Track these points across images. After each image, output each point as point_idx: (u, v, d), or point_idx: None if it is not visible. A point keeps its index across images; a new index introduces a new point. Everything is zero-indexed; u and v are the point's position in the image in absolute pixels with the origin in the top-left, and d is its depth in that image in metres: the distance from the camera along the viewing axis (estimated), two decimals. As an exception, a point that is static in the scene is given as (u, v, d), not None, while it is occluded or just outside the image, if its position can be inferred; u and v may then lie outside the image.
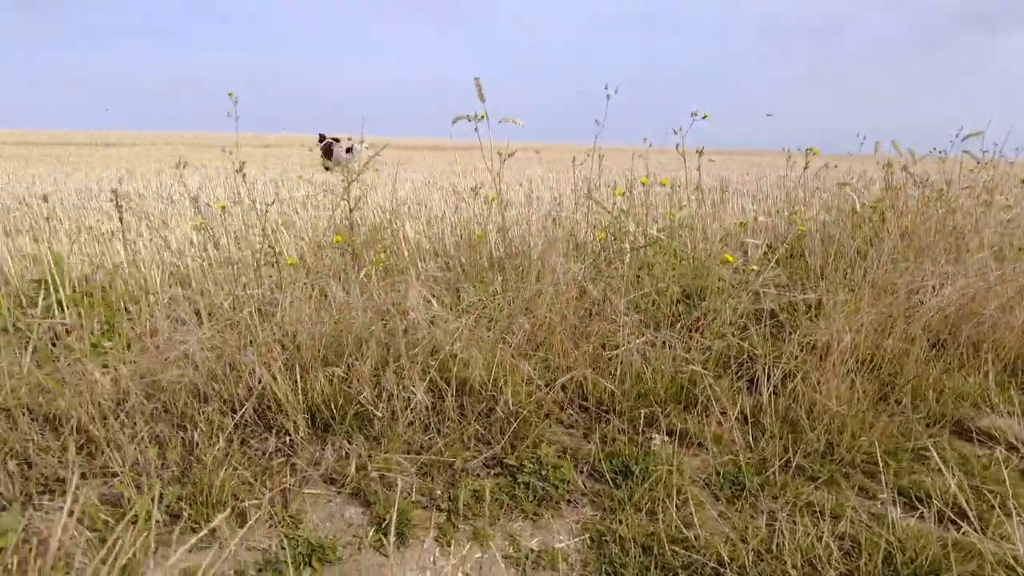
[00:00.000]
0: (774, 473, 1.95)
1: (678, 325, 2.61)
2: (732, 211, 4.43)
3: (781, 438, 2.11)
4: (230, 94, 2.29)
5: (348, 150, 10.97)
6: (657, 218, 3.42)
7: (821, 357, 2.41)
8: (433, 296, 2.46)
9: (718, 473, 1.98)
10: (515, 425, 2.03)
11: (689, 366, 2.30)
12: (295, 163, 14.16)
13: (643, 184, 2.85)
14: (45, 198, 3.24)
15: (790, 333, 2.70)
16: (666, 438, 2.14)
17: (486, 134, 2.64)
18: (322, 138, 11.65)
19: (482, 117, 2.63)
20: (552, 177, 9.00)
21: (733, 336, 2.61)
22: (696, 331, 2.61)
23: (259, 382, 1.92)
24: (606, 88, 2.63)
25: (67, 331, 2.51)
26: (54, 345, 2.44)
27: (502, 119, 2.74)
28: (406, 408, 2.00)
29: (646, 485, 1.87)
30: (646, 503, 1.82)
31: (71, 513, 1.31)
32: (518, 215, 3.57)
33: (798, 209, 4.12)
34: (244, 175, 2.45)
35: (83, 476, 1.76)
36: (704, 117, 2.69)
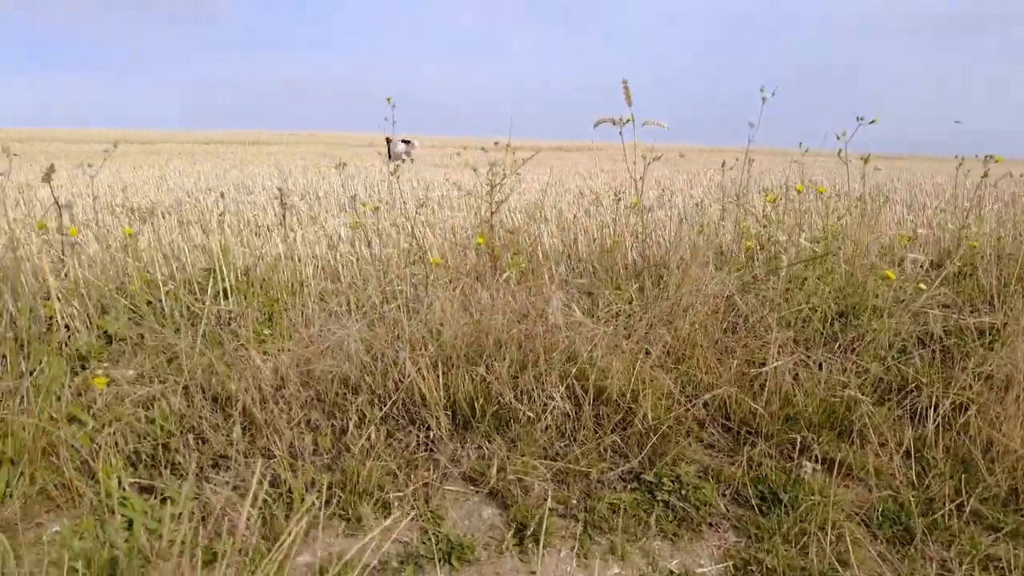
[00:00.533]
0: (944, 516, 1.76)
1: (833, 345, 2.43)
2: (887, 221, 4.08)
3: (951, 477, 1.91)
4: (388, 99, 2.39)
5: (405, 142, 14.82)
6: (810, 227, 3.21)
7: (1001, 390, 2.15)
8: (569, 301, 2.44)
9: (876, 509, 1.82)
10: (654, 440, 1.97)
11: (845, 390, 2.13)
12: (428, 163, 14.70)
13: (798, 191, 2.68)
14: (222, 195, 3.55)
15: (960, 361, 2.44)
16: (817, 466, 1.99)
17: (629, 136, 2.59)
18: (388, 140, 14.35)
19: (628, 120, 2.58)
20: (692, 181, 8.72)
21: (893, 360, 2.40)
22: (852, 352, 2.42)
23: (406, 377, 1.99)
24: (761, 91, 2.50)
25: (231, 318, 2.73)
26: (219, 329, 2.66)
27: (646, 121, 2.68)
28: (544, 412, 1.99)
29: (795, 515, 1.75)
30: (796, 534, 1.70)
31: (254, 499, 1.41)
32: (655, 220, 3.48)
33: (968, 222, 3.72)
34: (397, 176, 2.55)
35: (245, 455, 1.90)
36: (872, 122, 2.49)
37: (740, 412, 2.16)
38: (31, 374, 2.11)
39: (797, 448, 2.02)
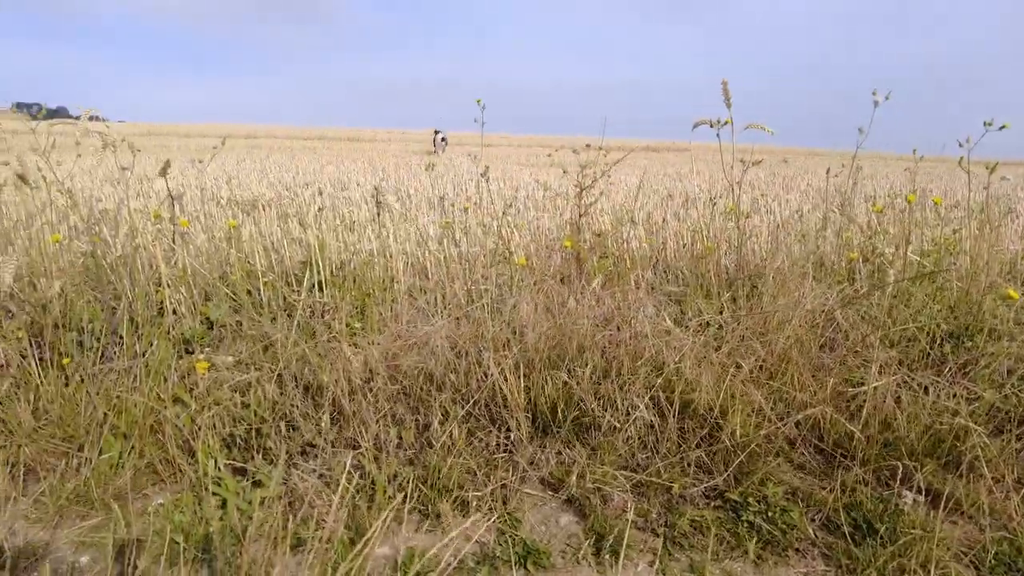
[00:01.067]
0: (1070, 565, 1.60)
1: (942, 368, 2.26)
2: (1011, 235, 3.76)
3: (1080, 522, 1.73)
4: (478, 100, 2.42)
5: (443, 139, 20.16)
6: (920, 240, 3.00)
7: None
8: (658, 309, 2.38)
9: (989, 552, 1.67)
10: (741, 458, 1.89)
11: (955, 418, 1.97)
12: (514, 162, 14.79)
13: (909, 202, 2.50)
14: (320, 191, 3.70)
15: (1091, 392, 2.21)
16: (919, 497, 1.86)
17: (727, 138, 2.50)
18: (436, 132, 20.43)
19: (726, 122, 2.49)
20: (790, 185, 8.34)
21: (1012, 388, 2.20)
22: (963, 377, 2.24)
23: (489, 377, 2.00)
24: (874, 94, 2.35)
25: (325, 310, 2.83)
26: (313, 321, 2.76)
27: (749, 125, 2.58)
28: (626, 422, 1.95)
29: (893, 548, 1.64)
30: (893, 569, 1.60)
31: (342, 493, 1.45)
32: (750, 226, 3.34)
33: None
34: (488, 178, 2.57)
35: (333, 444, 1.96)
36: (1002, 127, 2.28)
37: (834, 434, 2.04)
38: (143, 355, 2.27)
39: (897, 476, 1.89)
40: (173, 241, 2.75)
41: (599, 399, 2.04)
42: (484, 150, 21.14)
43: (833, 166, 3.25)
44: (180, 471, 1.87)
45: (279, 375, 2.13)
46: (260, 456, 1.90)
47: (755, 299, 2.57)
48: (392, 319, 2.67)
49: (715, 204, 2.75)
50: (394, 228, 3.93)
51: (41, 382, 2.08)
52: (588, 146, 3.04)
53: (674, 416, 1.99)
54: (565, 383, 2.05)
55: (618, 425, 1.95)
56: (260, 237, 3.29)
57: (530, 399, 2.06)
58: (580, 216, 2.66)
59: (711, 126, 2.51)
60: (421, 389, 2.07)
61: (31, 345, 2.26)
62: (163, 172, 2.69)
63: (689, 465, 1.93)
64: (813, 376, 2.17)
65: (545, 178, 9.63)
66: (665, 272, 3.12)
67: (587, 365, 2.09)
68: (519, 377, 2.01)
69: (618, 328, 2.12)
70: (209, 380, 2.09)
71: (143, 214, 3.83)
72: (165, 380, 2.19)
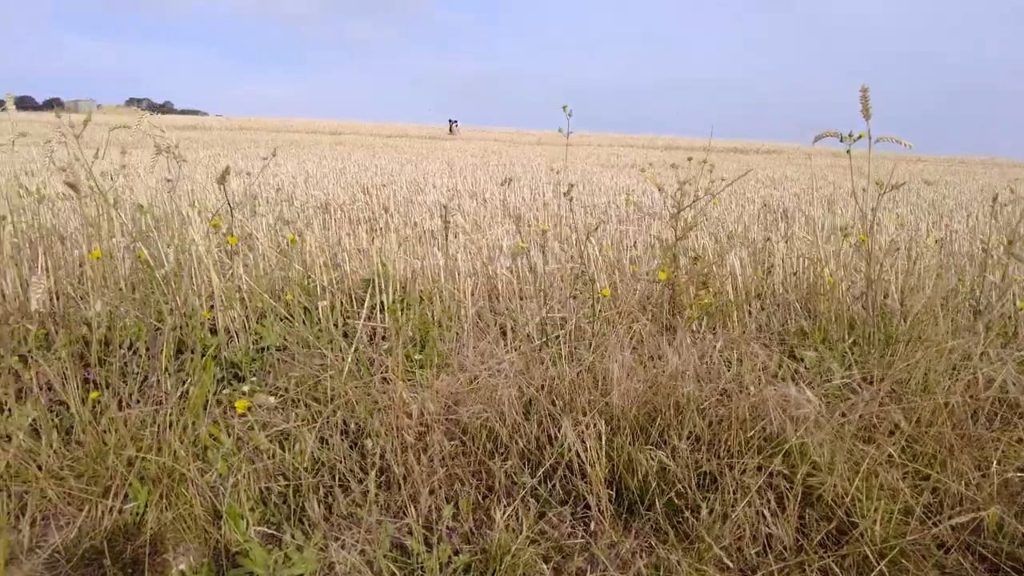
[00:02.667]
0: None
1: None
2: None
3: None
4: (564, 107, 2.09)
5: (456, 125, 26.77)
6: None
7: None
8: (768, 359, 1.99)
9: None
10: (880, 567, 1.48)
11: None
12: (594, 163, 14.35)
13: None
14: (366, 190, 3.47)
15: None
16: None
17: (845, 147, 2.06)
18: (451, 121, 28.82)
19: (859, 137, 2.06)
20: (936, 208, 7.46)
21: None
22: None
23: (564, 440, 1.67)
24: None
25: (384, 336, 2.57)
26: (371, 348, 2.51)
27: (880, 138, 2.15)
28: (732, 509, 1.58)
29: None
30: None
31: None
32: (879, 253, 2.84)
33: None
34: (571, 197, 2.24)
35: (380, 507, 1.68)
36: None
37: (1005, 541, 1.59)
38: (183, 385, 2.06)
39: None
40: (229, 256, 2.55)
41: (699, 474, 1.67)
42: (561, 149, 20.72)
43: (994, 181, 2.72)
44: (206, 531, 1.64)
45: (326, 420, 1.86)
46: (296, 520, 1.64)
47: (890, 349, 2.12)
48: (456, 350, 2.38)
49: (846, 235, 2.30)
50: (465, 238, 3.64)
51: (77, 411, 1.90)
52: (690, 159, 2.65)
53: (795, 505, 1.59)
54: (656, 444, 1.70)
55: (723, 512, 1.58)
56: (324, 249, 3.08)
57: (613, 467, 1.72)
58: (676, 240, 2.28)
59: (841, 140, 2.08)
60: (482, 449, 1.76)
61: (75, 366, 2.10)
62: (221, 180, 2.49)
63: (812, 570, 1.53)
64: (973, 459, 1.72)
65: (626, 182, 9.19)
66: (771, 305, 2.69)
67: (684, 429, 1.72)
68: (601, 444, 1.67)
69: (724, 393, 1.74)
70: (248, 422, 1.86)
71: (207, 215, 3.71)
72: (205, 410, 1.98)
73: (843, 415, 1.75)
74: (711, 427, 1.72)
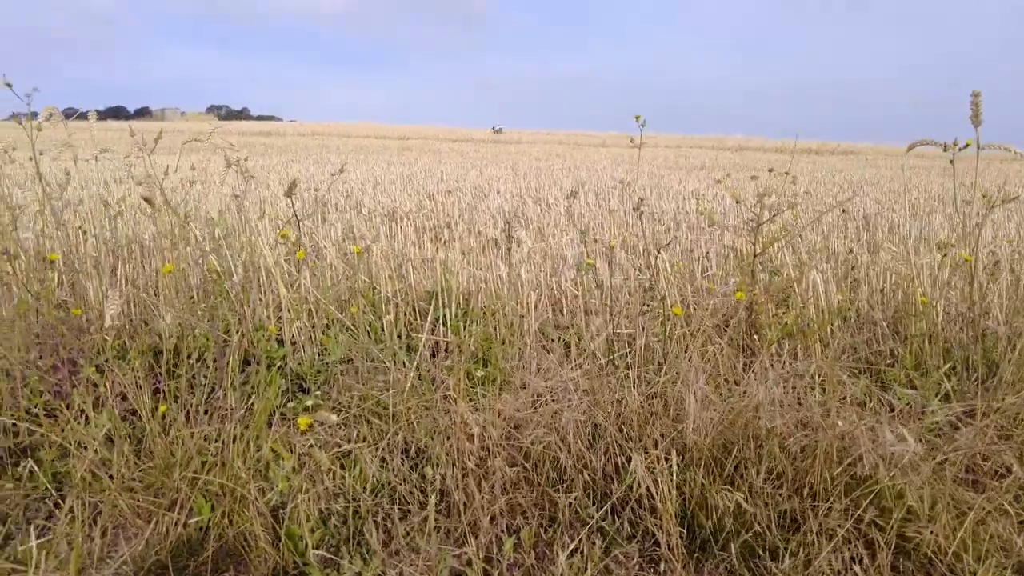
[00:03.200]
0: None
1: None
2: None
3: None
4: (637, 117, 1.99)
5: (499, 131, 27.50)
6: None
7: None
8: (854, 379, 1.83)
9: None
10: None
11: None
12: (662, 165, 14.05)
13: None
14: (431, 196, 3.44)
15: None
16: None
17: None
18: (495, 127, 29.57)
19: (967, 145, 1.89)
20: None
21: None
22: None
23: (632, 473, 1.57)
24: None
25: (447, 349, 2.53)
26: (433, 363, 2.47)
27: (986, 145, 1.96)
28: (817, 555, 1.45)
29: None
30: None
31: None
32: (980, 267, 2.60)
33: None
34: (641, 211, 2.14)
35: (443, 535, 1.63)
36: None
37: None
38: (248, 397, 2.07)
39: None
40: (296, 267, 2.57)
41: (779, 513, 1.54)
42: (631, 152, 20.39)
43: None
44: (266, 551, 1.62)
45: (387, 441, 1.83)
46: (355, 543, 1.61)
47: (994, 379, 1.93)
48: (519, 366, 2.31)
49: (944, 253, 2.10)
50: (530, 245, 3.58)
51: (148, 422, 1.94)
52: (771, 170, 2.50)
53: (887, 555, 1.45)
54: (730, 480, 1.58)
55: (807, 559, 1.45)
56: (389, 259, 3.07)
57: (685, 502, 1.61)
58: (755, 256, 2.14)
59: (945, 149, 1.90)
60: (545, 478, 1.68)
61: (147, 376, 2.15)
62: (289, 193, 2.51)
63: (909, 628, 1.39)
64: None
65: (696, 185, 8.92)
66: (856, 324, 2.50)
67: (764, 466, 1.60)
68: (672, 478, 1.56)
69: (806, 425, 1.60)
70: (311, 440, 1.84)
71: (278, 223, 3.78)
72: (269, 424, 1.99)
73: (943, 455, 1.59)
74: (793, 463, 1.59)
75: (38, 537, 1.74)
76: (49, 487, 1.87)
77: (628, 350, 2.24)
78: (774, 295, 2.12)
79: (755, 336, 2.21)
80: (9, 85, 2.01)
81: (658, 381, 1.86)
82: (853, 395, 1.74)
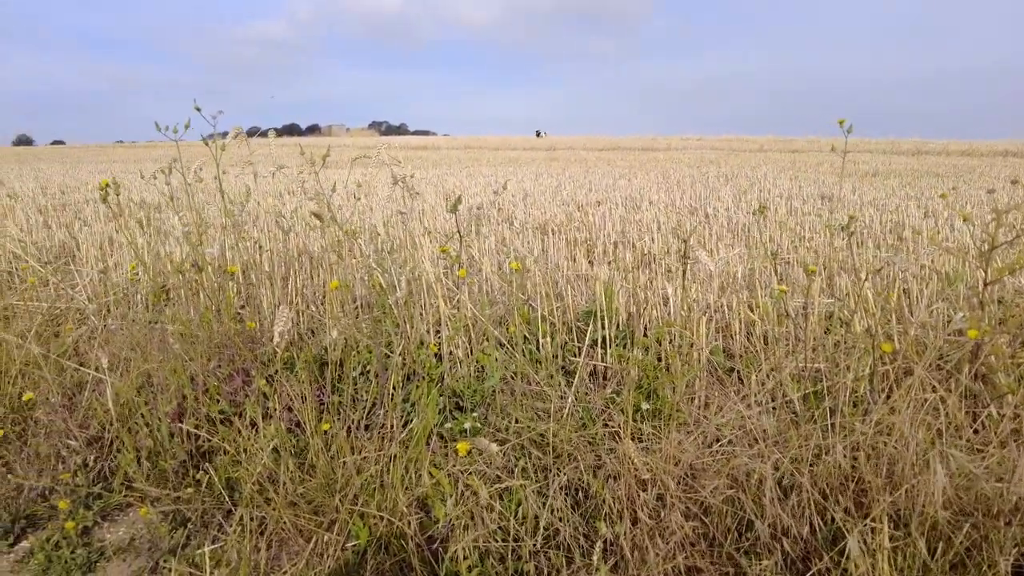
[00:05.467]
0: None
1: None
2: None
3: None
4: (841, 121, 1.72)
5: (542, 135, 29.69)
6: None
7: None
8: None
9: None
10: None
11: None
12: (827, 171, 12.95)
13: None
14: (581, 207, 3.29)
15: None
16: None
17: None
18: (538, 132, 32.65)
19: None
20: None
21: None
22: None
23: (846, 553, 1.32)
24: None
25: (608, 375, 2.37)
26: (592, 386, 2.32)
27: None
28: None
29: None
30: None
31: None
32: None
33: None
34: (851, 231, 1.85)
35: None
36: None
37: None
38: (407, 414, 2.04)
39: None
40: (456, 284, 2.54)
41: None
42: (792, 158, 19.04)
43: None
44: (422, 587, 1.55)
45: (546, 478, 1.71)
46: (514, 590, 1.49)
47: None
48: (688, 399, 2.11)
49: None
50: (693, 268, 3.32)
51: (312, 436, 1.96)
52: (1014, 181, 2.09)
53: None
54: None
55: None
56: (545, 277, 2.97)
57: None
58: (985, 285, 1.77)
59: None
60: (728, 538, 1.47)
61: (313, 386, 2.19)
62: (453, 208, 2.49)
63: None
64: None
65: (874, 195, 8.06)
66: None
67: (1010, 547, 1.28)
68: (886, 554, 1.30)
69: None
70: (469, 469, 1.76)
71: (437, 236, 3.82)
72: (428, 445, 1.94)
73: None
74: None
75: (211, 544, 1.80)
76: (224, 493, 1.94)
77: (817, 388, 1.95)
78: (1015, 334, 1.74)
79: (980, 381, 1.85)
80: (198, 109, 2.15)
81: (865, 432, 1.58)
82: None
